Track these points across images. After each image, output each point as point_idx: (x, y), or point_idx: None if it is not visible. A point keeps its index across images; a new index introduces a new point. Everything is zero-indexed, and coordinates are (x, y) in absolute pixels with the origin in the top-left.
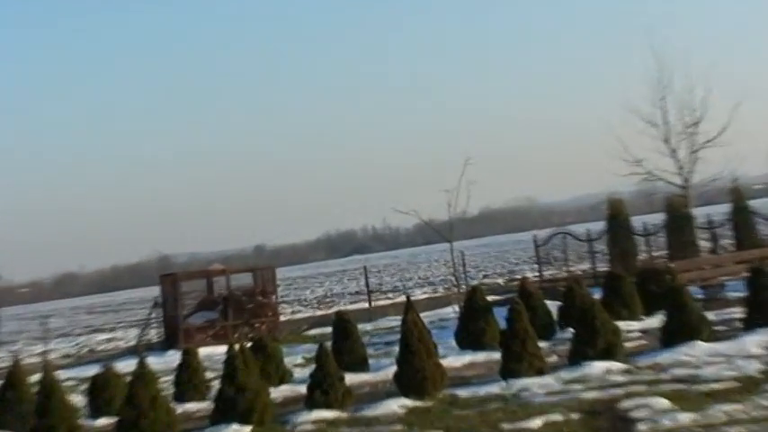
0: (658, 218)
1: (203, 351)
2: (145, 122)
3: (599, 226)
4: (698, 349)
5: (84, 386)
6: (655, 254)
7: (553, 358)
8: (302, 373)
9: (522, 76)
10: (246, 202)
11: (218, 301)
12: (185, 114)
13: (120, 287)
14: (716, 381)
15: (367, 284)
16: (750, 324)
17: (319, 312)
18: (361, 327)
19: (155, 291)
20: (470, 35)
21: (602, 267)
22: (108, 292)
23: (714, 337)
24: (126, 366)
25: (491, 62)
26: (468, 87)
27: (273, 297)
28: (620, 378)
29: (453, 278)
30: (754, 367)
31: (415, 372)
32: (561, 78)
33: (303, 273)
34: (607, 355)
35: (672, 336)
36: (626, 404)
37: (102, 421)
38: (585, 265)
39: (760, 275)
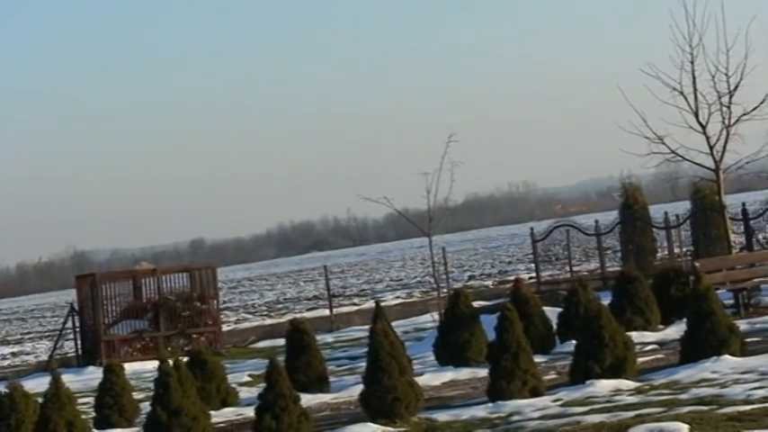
0: (683, 207)
1: (130, 367)
2: (59, 104)
3: (610, 217)
4: (725, 365)
5: None
6: (677, 251)
7: (551, 376)
8: (249, 393)
9: (516, 31)
10: (181, 187)
11: (148, 308)
12: (104, 94)
13: (28, 291)
14: (745, 402)
15: (328, 287)
16: None
17: (270, 321)
18: (321, 338)
19: (70, 295)
20: None
21: (613, 267)
22: (13, 296)
23: (745, 350)
24: (37, 385)
25: (475, 16)
26: (450, 50)
27: (214, 303)
28: (631, 399)
29: (432, 280)
30: None
31: (386, 392)
32: (566, 35)
33: (250, 273)
34: (616, 371)
35: (694, 349)
36: (637, 430)
37: None
38: (592, 265)
39: None
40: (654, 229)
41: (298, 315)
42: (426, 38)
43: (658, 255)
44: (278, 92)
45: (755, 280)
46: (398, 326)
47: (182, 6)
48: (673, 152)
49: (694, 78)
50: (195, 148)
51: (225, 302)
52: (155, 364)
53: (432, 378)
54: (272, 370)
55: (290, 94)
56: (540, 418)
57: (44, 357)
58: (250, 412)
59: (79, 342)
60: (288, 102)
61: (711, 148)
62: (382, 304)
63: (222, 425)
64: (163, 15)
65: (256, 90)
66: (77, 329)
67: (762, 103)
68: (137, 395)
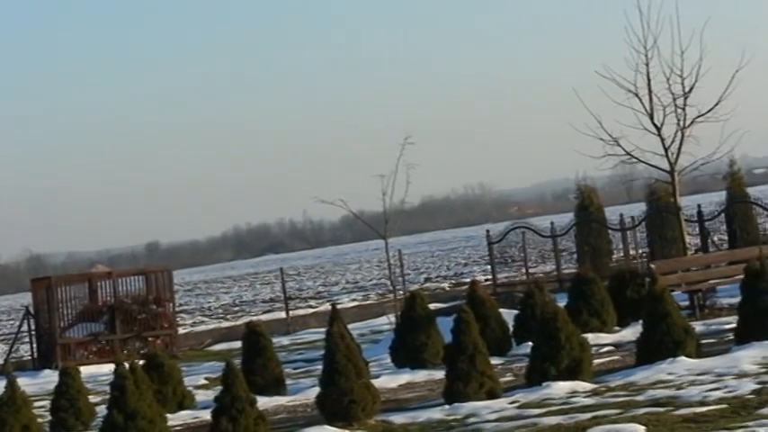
0: (638, 209)
1: (86, 370)
2: (14, 107)
3: (566, 219)
4: (681, 366)
5: None
6: (632, 252)
7: (508, 378)
8: (206, 396)
9: (472, 33)
10: (136, 191)
11: (103, 311)
12: (62, 99)
13: None
14: (701, 404)
15: (284, 290)
16: (744, 336)
17: (226, 324)
18: (277, 341)
19: (25, 298)
20: None
21: (569, 269)
22: None
23: (701, 351)
24: None
25: (431, 19)
26: (406, 54)
27: (170, 306)
28: (587, 401)
29: (388, 282)
30: (747, 388)
31: (342, 394)
32: (521, 38)
33: (206, 276)
34: (572, 373)
35: (650, 350)
36: None
37: None
38: (548, 267)
39: (757, 279)
40: (609, 231)
41: (254, 318)
42: (382, 41)
43: (614, 256)
44: (233, 94)
45: (711, 281)
46: (355, 328)
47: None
48: (628, 154)
49: (649, 80)
50: (150, 152)
51: (181, 305)
52: (111, 367)
53: (388, 380)
54: (228, 373)
55: (245, 96)
56: (497, 420)
57: None
58: (206, 415)
59: (35, 345)
60: (243, 104)
61: (666, 149)
62: (338, 307)
63: (178, 428)
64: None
65: (210, 93)
66: (33, 333)
67: (716, 104)
68: (93, 398)
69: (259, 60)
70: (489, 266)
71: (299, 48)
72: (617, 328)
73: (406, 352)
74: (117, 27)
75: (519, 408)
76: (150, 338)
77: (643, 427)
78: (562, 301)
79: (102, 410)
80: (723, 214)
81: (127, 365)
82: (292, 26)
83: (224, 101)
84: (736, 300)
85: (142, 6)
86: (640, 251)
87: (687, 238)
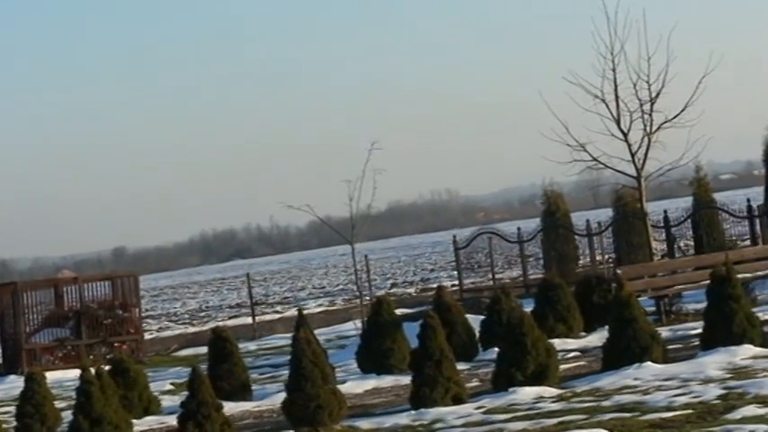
0: (605, 214)
1: (51, 376)
2: None
3: (532, 224)
4: (647, 372)
5: None
6: (599, 258)
7: (474, 383)
8: (172, 401)
9: (439, 36)
10: (103, 196)
11: (69, 316)
12: (28, 100)
13: None
14: (667, 409)
15: (250, 295)
16: (709, 342)
17: (192, 329)
18: (244, 346)
19: None
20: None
21: (536, 274)
22: None
23: (667, 357)
24: None
25: (397, 22)
26: (372, 57)
27: (136, 311)
28: (554, 406)
29: (355, 287)
30: (712, 393)
31: (308, 400)
32: (489, 42)
33: (172, 281)
34: (539, 378)
35: (616, 356)
36: None
37: None
38: (515, 272)
39: (723, 284)
40: (576, 237)
41: (220, 323)
42: (349, 44)
43: (580, 262)
44: (198, 99)
45: (677, 287)
46: (321, 334)
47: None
48: (595, 159)
49: (616, 86)
50: (116, 155)
51: (147, 311)
52: (77, 372)
53: (354, 386)
54: (194, 378)
55: (212, 101)
56: (463, 425)
57: None
58: (172, 420)
59: (0, 351)
60: (208, 109)
61: (633, 155)
62: (305, 312)
63: None
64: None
65: (177, 98)
66: None
67: (683, 110)
68: (58, 404)
69: (228, 65)
70: (456, 272)
71: (268, 52)
72: (583, 333)
73: (373, 357)
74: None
75: (485, 413)
76: (116, 344)
77: None
78: (528, 307)
79: (67, 416)
80: (689, 220)
81: (93, 371)
82: (262, 27)
83: (191, 106)
84: (702, 305)
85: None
86: (607, 257)
87: (653, 244)
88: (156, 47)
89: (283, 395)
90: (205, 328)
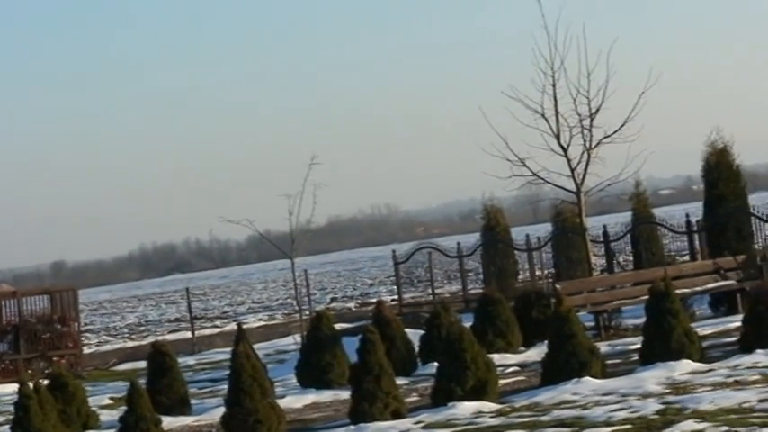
0: (544, 229)
1: None
2: None
3: (472, 239)
4: (586, 386)
5: None
6: (538, 273)
7: (414, 398)
8: (111, 416)
9: (379, 51)
10: (42, 209)
11: (7, 330)
12: None
13: None
14: (606, 424)
15: (190, 310)
16: (648, 357)
17: (131, 343)
18: (183, 361)
19: None
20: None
21: (475, 289)
22: None
23: (606, 372)
24: None
25: (338, 37)
26: (313, 72)
27: (75, 325)
28: (493, 421)
29: (294, 302)
30: (651, 408)
31: (247, 414)
32: (429, 56)
33: (112, 295)
34: (478, 393)
35: (555, 371)
36: None
37: None
38: (454, 287)
39: (662, 299)
40: (516, 252)
41: (159, 337)
42: (289, 60)
43: (520, 277)
44: (139, 113)
45: (616, 302)
46: (260, 348)
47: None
48: (534, 175)
49: (556, 101)
50: (55, 169)
51: (86, 325)
52: (14, 386)
53: (294, 400)
54: (133, 392)
55: (152, 114)
56: None
57: None
58: None
59: None
60: (148, 124)
61: (573, 170)
62: (244, 326)
63: None
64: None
65: (115, 112)
66: None
67: (622, 126)
68: None
69: (170, 80)
70: (395, 286)
71: (206, 63)
72: (522, 348)
73: (312, 372)
74: None
75: (424, 428)
76: (55, 358)
77: None
78: (468, 322)
79: (5, 431)
80: (628, 235)
81: (31, 385)
82: (200, 41)
83: (131, 121)
84: (641, 320)
85: None
86: (546, 272)
87: (593, 259)
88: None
89: (222, 409)
90: (144, 342)
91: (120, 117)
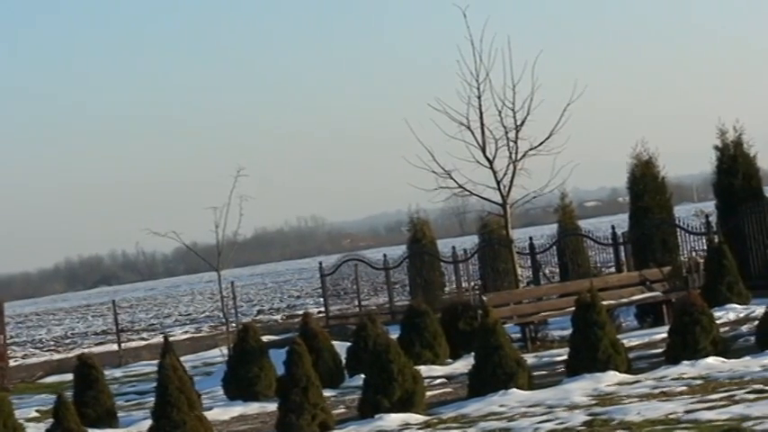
0: (471, 241)
1: None
2: None
3: (399, 251)
4: (513, 398)
5: None
6: (465, 285)
7: (341, 410)
8: (37, 429)
9: (302, 64)
10: None
11: None
12: None
13: None
14: None
15: (116, 322)
16: (575, 368)
17: (57, 356)
18: (110, 373)
19: None
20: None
21: (402, 301)
22: None
23: (532, 383)
24: None
25: (266, 55)
26: (240, 85)
27: (1, 338)
28: None
29: (221, 314)
30: (578, 419)
31: (174, 427)
32: (354, 68)
33: (37, 308)
34: (405, 405)
35: (482, 382)
36: None
37: None
38: (381, 299)
39: (588, 311)
40: (442, 264)
41: (86, 350)
42: (215, 74)
43: (447, 289)
44: (64, 128)
45: (542, 314)
46: (187, 360)
47: None
48: (461, 187)
49: (481, 113)
50: None
51: (12, 337)
52: None
53: (221, 413)
54: (59, 405)
55: (76, 129)
56: None
57: None
58: None
59: None
60: (73, 136)
61: (498, 182)
62: (171, 339)
63: None
64: None
65: (39, 120)
66: None
67: (548, 138)
68: None
69: (92, 87)
70: (322, 299)
71: (133, 74)
72: (449, 360)
73: (239, 384)
74: None
75: None
76: None
77: None
78: (395, 334)
79: None
80: (555, 247)
81: None
82: (130, 49)
83: (55, 131)
84: (568, 332)
85: None
86: (473, 283)
87: (519, 271)
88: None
89: (149, 422)
90: (71, 354)
91: (43, 127)
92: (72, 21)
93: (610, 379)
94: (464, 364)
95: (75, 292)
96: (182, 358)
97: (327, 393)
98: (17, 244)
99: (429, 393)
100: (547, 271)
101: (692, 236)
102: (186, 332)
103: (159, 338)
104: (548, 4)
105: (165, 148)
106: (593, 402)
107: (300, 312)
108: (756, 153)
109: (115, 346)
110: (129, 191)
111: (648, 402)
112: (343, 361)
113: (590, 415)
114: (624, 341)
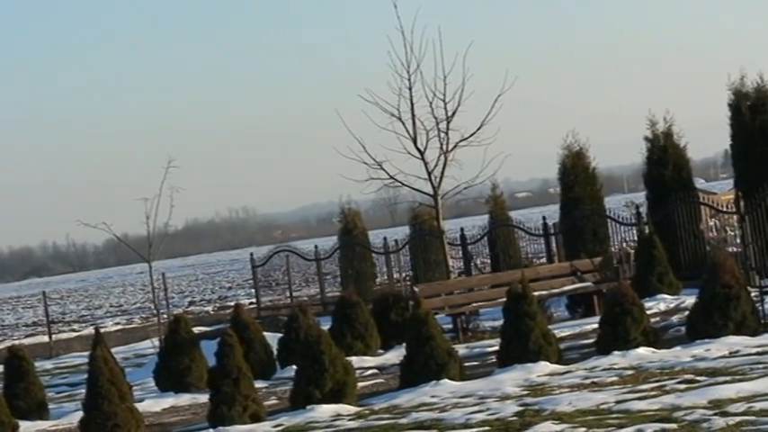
0: (402, 232)
1: None
2: None
3: (330, 242)
4: (444, 389)
5: None
6: (396, 276)
7: (272, 401)
8: None
9: (232, 54)
10: None
11: None
12: None
13: None
14: (464, 426)
15: (47, 314)
16: (506, 359)
17: None
18: (40, 365)
19: None
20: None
21: (333, 292)
22: None
23: (464, 374)
24: None
25: (193, 53)
26: (171, 76)
27: None
28: (351, 424)
29: (152, 306)
30: (509, 410)
31: (105, 418)
32: (285, 60)
33: None
34: (336, 396)
35: (414, 373)
36: None
37: None
38: (312, 290)
39: (519, 302)
40: (373, 255)
41: (16, 342)
42: (144, 69)
43: (378, 280)
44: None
45: (474, 304)
46: (118, 352)
47: None
48: (392, 178)
49: (412, 104)
50: None
51: None
52: None
53: (152, 404)
54: None
55: (9, 118)
56: None
57: None
58: None
59: None
60: (6, 126)
61: (430, 173)
62: (102, 330)
63: None
64: None
65: None
66: None
67: (479, 129)
68: None
69: (28, 75)
70: (254, 290)
71: (64, 65)
72: (381, 351)
73: (170, 375)
74: None
75: (283, 431)
76: None
77: None
78: (326, 325)
79: None
80: (486, 238)
81: None
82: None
83: None
84: (499, 322)
85: None
86: (404, 274)
87: (450, 262)
88: None
89: (81, 414)
90: (1, 346)
91: None
92: None
93: (541, 369)
94: (395, 355)
95: (5, 283)
96: (113, 350)
97: (259, 385)
98: None
99: (361, 384)
100: (478, 262)
101: (622, 226)
102: (117, 324)
103: (90, 330)
104: None
105: (94, 140)
106: (525, 393)
107: (232, 304)
108: (686, 144)
109: (46, 338)
110: (59, 182)
111: (580, 393)
112: (275, 352)
113: (521, 405)
114: (555, 332)
